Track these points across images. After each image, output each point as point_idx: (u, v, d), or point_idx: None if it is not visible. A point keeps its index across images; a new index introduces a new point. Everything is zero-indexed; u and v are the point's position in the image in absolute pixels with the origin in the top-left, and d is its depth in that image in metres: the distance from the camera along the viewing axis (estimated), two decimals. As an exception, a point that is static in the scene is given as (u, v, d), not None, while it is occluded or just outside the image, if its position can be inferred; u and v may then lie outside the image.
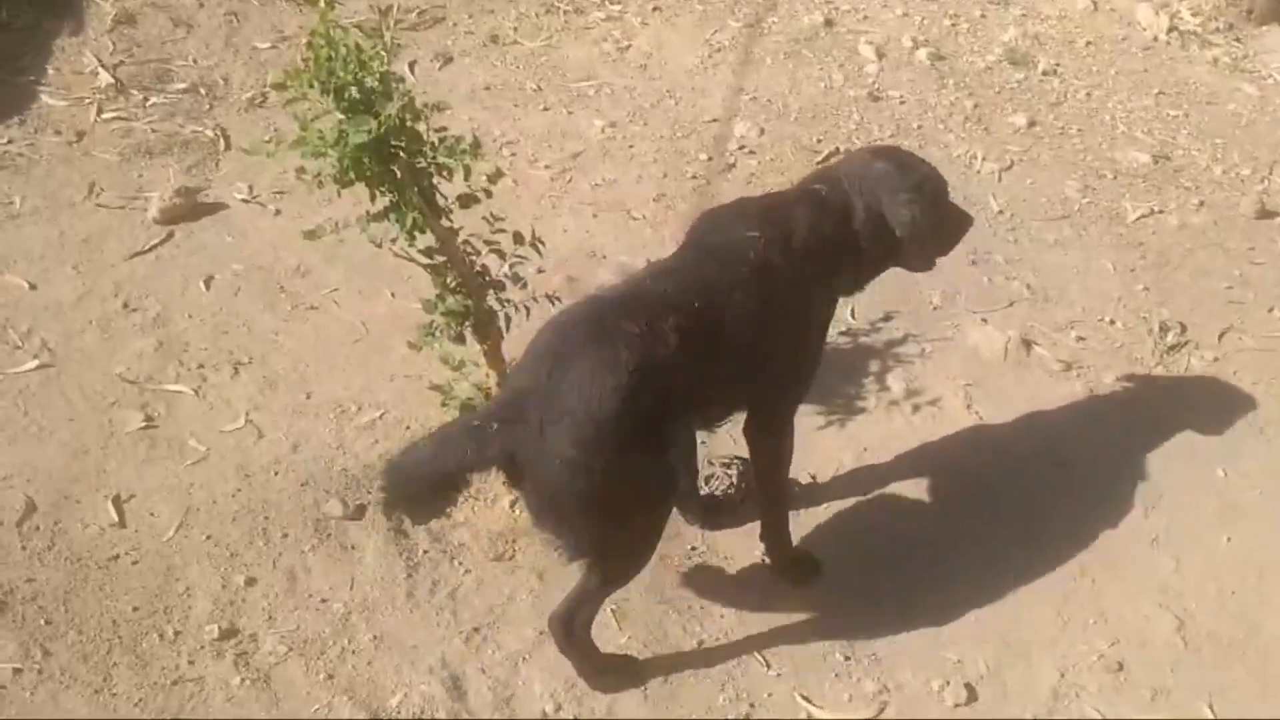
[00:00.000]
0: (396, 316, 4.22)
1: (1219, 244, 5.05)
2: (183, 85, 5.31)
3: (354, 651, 3.17)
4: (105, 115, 5.12)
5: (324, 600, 3.30)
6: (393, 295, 4.35)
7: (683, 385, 2.88)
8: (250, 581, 3.32)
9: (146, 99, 5.20)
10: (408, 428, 3.81)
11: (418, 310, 4.10)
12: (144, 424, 3.77)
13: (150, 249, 4.48)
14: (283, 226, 4.63)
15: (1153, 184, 5.44)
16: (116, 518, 3.46)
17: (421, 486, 2.82)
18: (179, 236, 4.55)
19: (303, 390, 3.94)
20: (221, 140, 5.07)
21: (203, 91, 5.31)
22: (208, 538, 3.43)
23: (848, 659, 3.23)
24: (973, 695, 3.16)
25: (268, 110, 5.28)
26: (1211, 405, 4.14)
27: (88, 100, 5.18)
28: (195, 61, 5.46)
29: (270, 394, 3.92)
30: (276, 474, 3.63)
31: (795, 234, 3.10)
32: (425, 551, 3.46)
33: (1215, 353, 4.41)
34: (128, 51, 5.44)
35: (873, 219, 3.19)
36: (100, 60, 5.37)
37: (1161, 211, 5.24)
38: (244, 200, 4.76)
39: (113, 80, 5.23)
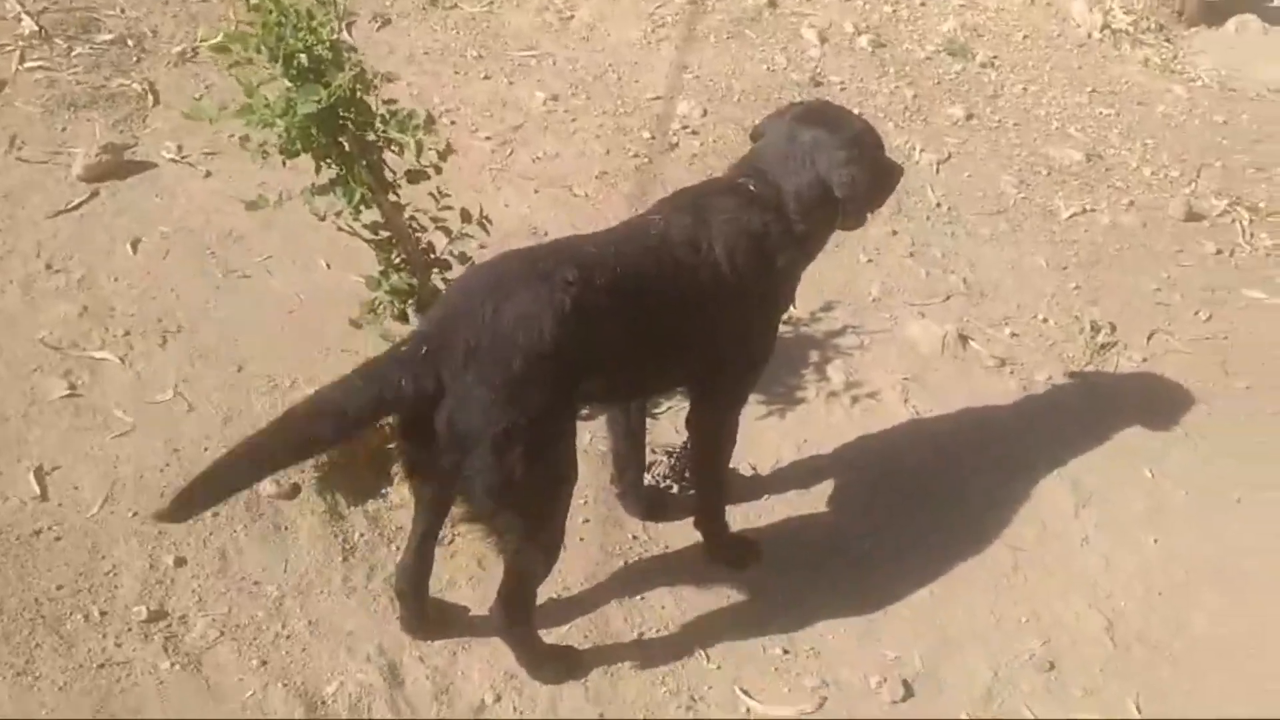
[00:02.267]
0: (333, 289, 4.11)
1: (1148, 245, 5.15)
2: (109, 36, 5.10)
3: (288, 637, 3.08)
4: (27, 64, 4.90)
5: (257, 583, 3.20)
6: (329, 266, 4.23)
7: (607, 346, 2.83)
8: (179, 561, 3.21)
9: (71, 49, 4.99)
10: (344, 405, 3.71)
11: (355, 283, 4.02)
12: (67, 392, 3.62)
13: (74, 207, 4.30)
14: (214, 189, 4.48)
15: (1085, 182, 5.53)
16: (38, 490, 3.32)
17: (351, 424, 2.66)
18: (104, 195, 4.37)
19: (234, 362, 3.82)
20: (150, 95, 4.89)
21: (130, 43, 5.11)
22: (134, 514, 3.30)
23: (787, 653, 3.24)
24: (909, 692, 3.18)
25: (198, 65, 5.10)
26: (1139, 406, 4.21)
27: (9, 48, 4.95)
28: (123, 11, 5.25)
29: (200, 365, 3.79)
30: (207, 449, 3.51)
31: (725, 231, 3.02)
32: (361, 535, 3.38)
33: (1144, 353, 4.50)
34: (52, -2, 5.22)
35: (811, 194, 3.11)
36: (23, 6, 5.13)
37: (1093, 210, 5.33)
38: (173, 160, 4.59)
39: (36, 28, 5.00)
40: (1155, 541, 3.71)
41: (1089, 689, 3.25)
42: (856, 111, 3.61)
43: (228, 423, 3.61)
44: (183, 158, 4.62)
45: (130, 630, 3.03)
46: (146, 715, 2.85)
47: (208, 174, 4.57)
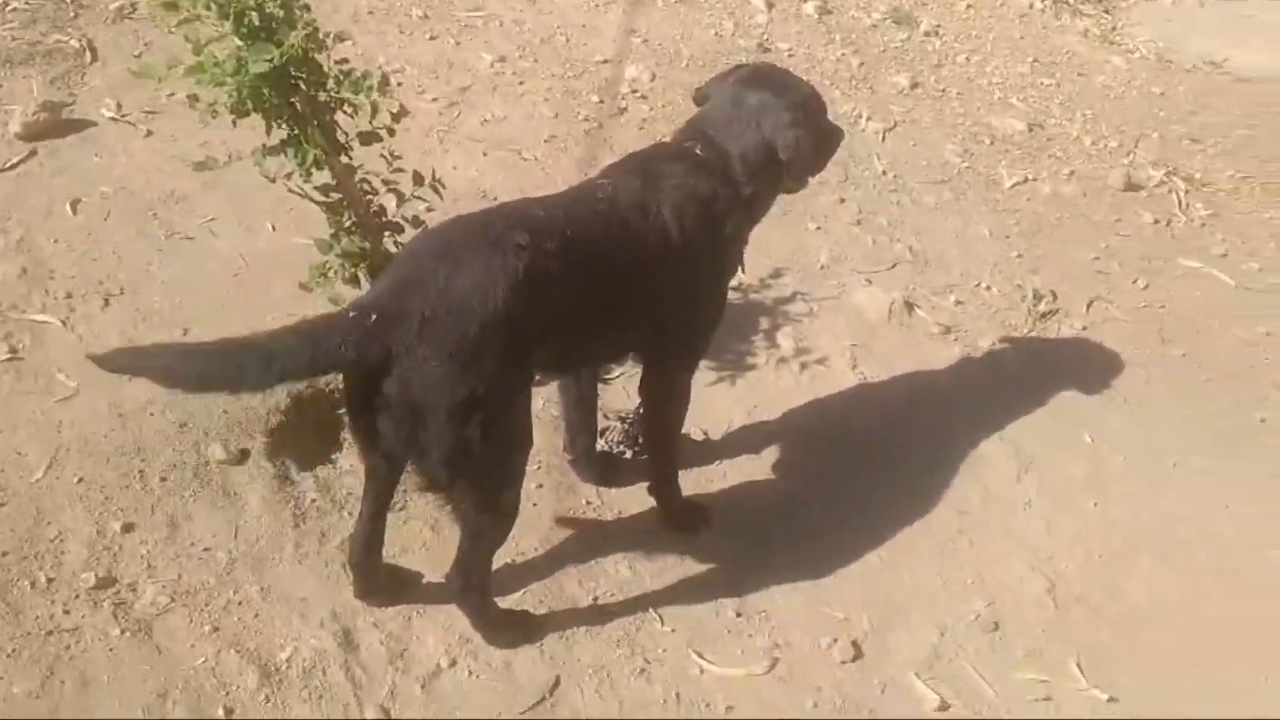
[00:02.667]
0: (279, 251, 4.06)
1: (1087, 215, 5.24)
2: (46, -11, 4.97)
3: (240, 603, 3.06)
4: (-41, 19, 4.77)
5: (207, 549, 3.17)
6: (274, 228, 4.18)
7: (559, 312, 2.81)
8: (127, 527, 3.17)
9: (6, 4, 4.86)
10: (291, 369, 3.67)
11: (302, 246, 3.98)
12: (8, 355, 3.55)
13: (11, 167, 4.19)
14: (156, 148, 4.40)
15: (1027, 152, 5.61)
16: (-20, 456, 3.26)
17: (275, 376, 2.57)
18: (43, 154, 4.27)
19: (179, 325, 3.76)
20: (88, 52, 4.77)
21: (67, -2, 4.99)
22: (80, 480, 3.25)
23: (739, 615, 3.27)
24: (858, 653, 3.23)
25: (136, 22, 4.99)
26: (1080, 373, 4.30)
27: (-61, 1, 4.82)
28: (58, -36, 5.11)
29: (144, 328, 3.73)
30: (153, 414, 3.46)
31: (674, 196, 3.02)
32: (313, 500, 3.36)
33: (1083, 321, 4.59)
34: (-17, -52, 5.05)
35: (757, 157, 3.13)
36: (-46, -42, 4.99)
37: (1035, 180, 5.41)
38: (113, 118, 4.49)
39: (-34, -21, 4.86)
40: (1095, 505, 3.79)
41: (1031, 650, 3.33)
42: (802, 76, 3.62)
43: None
44: (123, 116, 4.52)
45: (78, 597, 2.98)
46: (97, 682, 2.81)
47: (149, 133, 4.47)
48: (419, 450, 2.70)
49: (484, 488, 2.83)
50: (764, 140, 3.13)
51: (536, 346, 2.79)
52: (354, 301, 2.76)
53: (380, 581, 3.12)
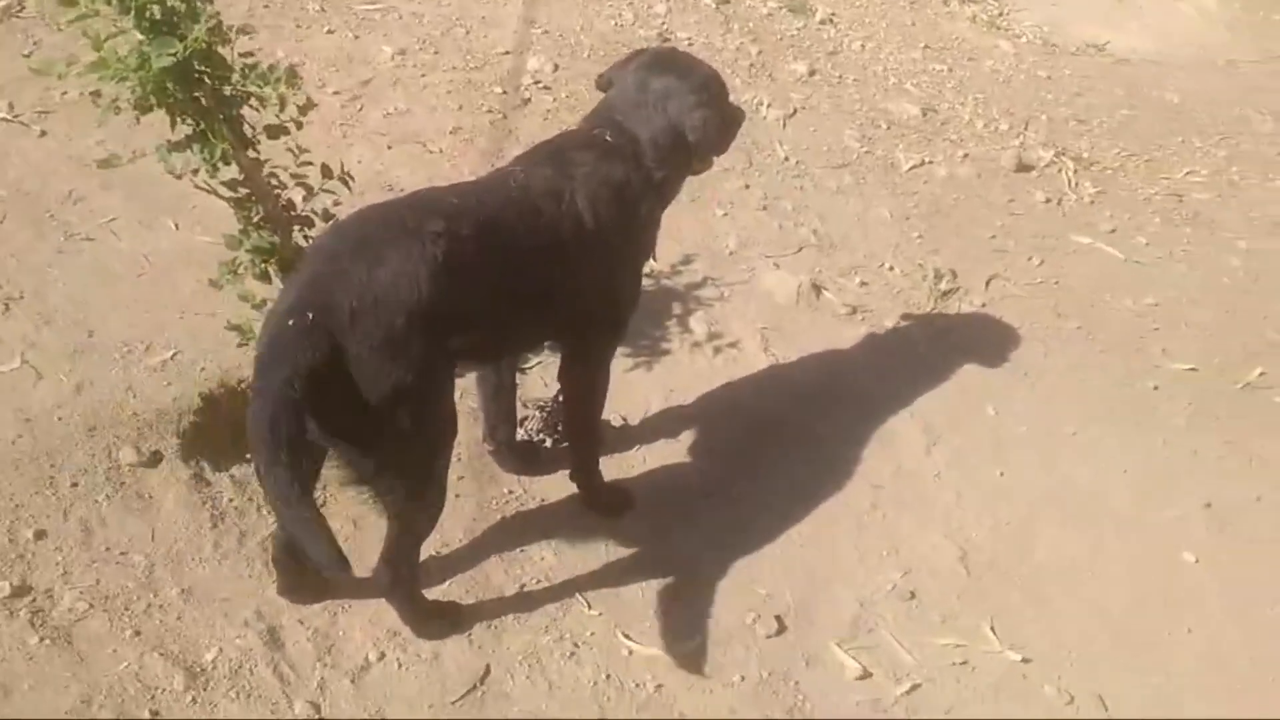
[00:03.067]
0: (183, 249, 3.99)
1: (982, 195, 5.39)
2: (-76, -13, 4.80)
3: (161, 606, 3.01)
4: None
5: (124, 553, 3.11)
6: (176, 226, 4.11)
7: (476, 300, 2.82)
8: (40, 534, 3.10)
9: (-117, 2, 4.68)
10: (202, 369, 3.62)
11: (205, 243, 3.94)
12: (-96, 364, 3.45)
13: (-102, 169, 4.06)
14: (50, 148, 4.29)
15: (923, 135, 5.74)
16: (-120, 467, 3.16)
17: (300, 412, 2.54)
18: (-69, 156, 4.14)
19: (83, 328, 3.68)
20: (-27, 52, 4.63)
21: (-53, -5, 4.82)
22: (-13, 488, 3.18)
23: (665, 597, 3.32)
24: (782, 626, 3.30)
25: (24, 20, 4.86)
26: (981, 349, 4.43)
27: None
28: (-63, -40, 4.94)
29: (47, 332, 3.64)
30: (60, 419, 3.38)
31: (587, 183, 3.05)
32: (230, 500, 3.32)
33: (983, 298, 4.72)
34: None
35: (666, 140, 3.17)
36: None
37: (931, 162, 5.54)
38: (4, 119, 4.37)
39: None
40: (1000, 475, 3.92)
41: (947, 615, 3.43)
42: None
43: (80, 390, 3.48)
44: (15, 116, 4.39)
45: (-7, 607, 2.92)
46: (18, 691, 2.75)
47: (42, 133, 4.36)
48: (350, 440, 2.68)
49: (412, 478, 2.82)
50: (671, 123, 3.17)
51: (457, 335, 2.79)
52: (278, 310, 2.67)
53: (304, 578, 3.10)
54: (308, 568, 3.11)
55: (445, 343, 2.76)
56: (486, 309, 2.88)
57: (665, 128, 3.17)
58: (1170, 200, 5.56)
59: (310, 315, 2.56)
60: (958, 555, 3.62)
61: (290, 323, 2.58)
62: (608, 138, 3.16)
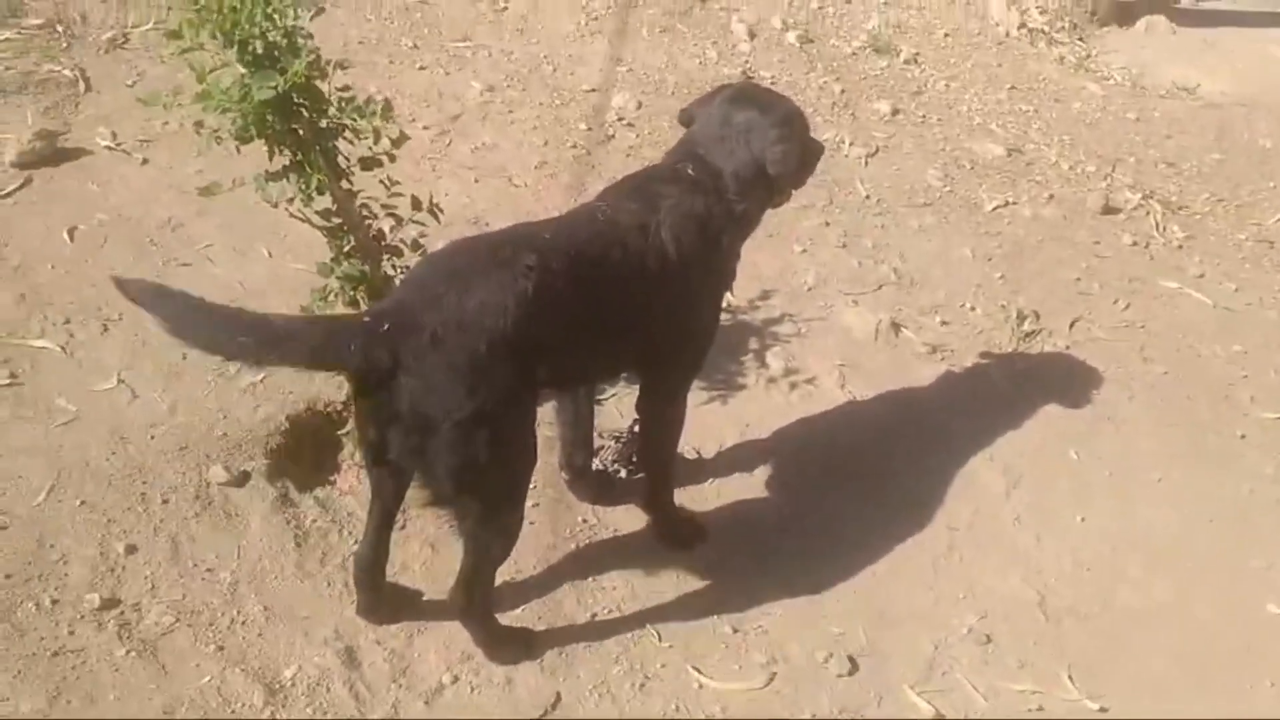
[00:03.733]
0: (275, 276, 4.11)
1: (1068, 237, 5.33)
2: (38, 21, 5.01)
3: (244, 622, 3.09)
4: (-48, 49, 4.81)
5: (210, 570, 3.20)
6: (269, 254, 4.23)
7: (563, 330, 2.88)
8: (130, 549, 3.20)
9: (-1, 34, 4.90)
10: (290, 392, 3.72)
11: (297, 270, 4.05)
12: (8, 381, 3.58)
13: (7, 195, 4.23)
14: (151, 176, 4.44)
15: (1007, 176, 5.71)
16: (-18, 480, 3.29)
17: (279, 356, 2.63)
18: (38, 183, 4.31)
19: (177, 351, 3.76)
20: (81, 81, 4.82)
21: (59, 28, 5.02)
22: (82, 503, 3.28)
23: (736, 631, 3.32)
24: (854, 666, 3.28)
25: (129, 51, 5.04)
26: (1064, 391, 4.37)
27: (-66, 32, 4.86)
28: (50, -5, 5.17)
29: (143, 353, 3.77)
30: (154, 437, 3.50)
31: (671, 216, 3.10)
32: (313, 521, 3.40)
33: (1067, 340, 4.67)
34: (-25, -20, 5.10)
35: (747, 173, 3.21)
36: (-55, -11, 5.04)
37: (1015, 203, 5.50)
38: (108, 147, 4.54)
39: (-41, 11, 4.90)
40: (1082, 520, 3.86)
41: (1024, 661, 3.38)
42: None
43: (173, 411, 3.60)
44: (118, 145, 4.56)
45: (83, 618, 3.01)
46: (104, 701, 2.84)
47: (144, 161, 4.52)
48: (427, 464, 2.74)
49: (489, 503, 2.87)
50: (753, 157, 3.21)
51: (542, 365, 2.85)
52: (369, 309, 2.80)
53: (384, 600, 3.16)
54: (387, 588, 3.19)
55: (529, 373, 2.82)
56: (571, 340, 2.94)
57: (747, 161, 3.21)
58: (1261, 246, 5.45)
59: (386, 326, 2.64)
60: (1036, 600, 3.57)
61: (364, 319, 2.68)
62: (690, 171, 3.21)
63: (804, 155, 3.37)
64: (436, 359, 2.64)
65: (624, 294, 3.02)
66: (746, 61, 6.07)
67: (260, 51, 3.01)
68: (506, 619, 3.20)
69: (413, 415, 2.67)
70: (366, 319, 2.70)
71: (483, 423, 2.70)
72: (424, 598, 3.25)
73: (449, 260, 2.89)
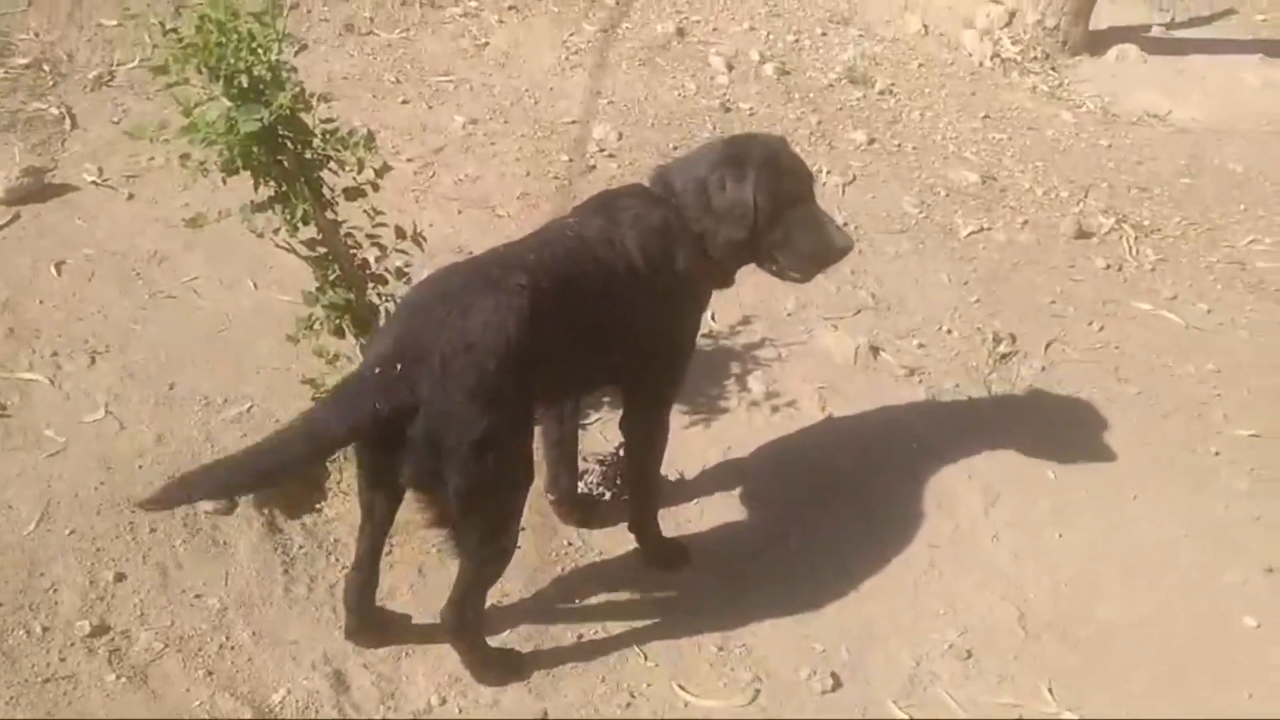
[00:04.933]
0: (262, 308, 4.16)
1: (1042, 261, 5.42)
2: (24, 60, 5.07)
3: (233, 648, 3.12)
4: (-61, 87, 4.87)
5: (198, 596, 3.23)
6: (255, 286, 4.27)
7: (552, 345, 2.93)
8: (119, 577, 3.22)
9: (-15, 72, 4.96)
10: (277, 421, 3.74)
11: (283, 301, 4.10)
12: (-3, 413, 3.62)
13: (-4, 230, 4.28)
14: (136, 211, 4.49)
15: (982, 202, 5.80)
16: (-28, 511, 3.32)
17: (327, 447, 2.78)
18: (26, 218, 4.35)
19: (165, 381, 3.84)
20: (68, 119, 4.87)
21: (46, 67, 5.08)
22: (71, 532, 3.31)
23: (721, 649, 3.37)
24: (838, 682, 3.33)
25: (115, 90, 5.10)
26: (1041, 411, 4.45)
27: (-80, 71, 4.91)
28: (37, 35, 5.22)
29: (130, 384, 3.81)
30: (141, 467, 3.53)
31: (634, 226, 3.15)
32: (300, 547, 3.43)
33: (1042, 362, 4.74)
34: (-39, 21, 5.16)
35: (698, 194, 3.21)
36: (-68, 29, 5.10)
37: (990, 229, 5.59)
38: (94, 182, 4.59)
39: (-53, 51, 4.96)
40: (1060, 537, 3.92)
41: (1004, 675, 3.43)
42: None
43: (161, 441, 3.63)
44: (104, 180, 4.61)
45: (74, 645, 3.04)
46: (95, 727, 2.87)
47: (130, 196, 4.57)
48: (440, 485, 2.80)
49: (492, 522, 2.94)
50: (707, 184, 3.21)
51: (536, 379, 2.91)
52: (369, 358, 2.84)
53: (374, 623, 3.20)
54: (375, 612, 3.23)
55: (529, 390, 2.89)
56: (561, 353, 2.99)
57: (701, 185, 3.21)
58: (1232, 268, 5.55)
59: (400, 366, 2.70)
60: (1015, 616, 3.62)
61: (376, 370, 2.73)
62: (650, 187, 3.30)
63: (770, 200, 3.25)
64: (449, 383, 2.71)
65: (603, 306, 3.08)
66: (725, 93, 6.16)
67: (246, 85, 3.08)
68: (494, 641, 3.24)
69: (428, 440, 2.73)
70: (375, 369, 2.74)
71: (494, 441, 2.77)
72: (413, 621, 3.29)
73: (439, 285, 2.94)
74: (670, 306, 3.28)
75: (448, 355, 2.71)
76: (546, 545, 3.57)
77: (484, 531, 2.92)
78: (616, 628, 3.38)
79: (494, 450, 2.77)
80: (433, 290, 2.94)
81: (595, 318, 3.07)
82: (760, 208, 3.23)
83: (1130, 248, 5.59)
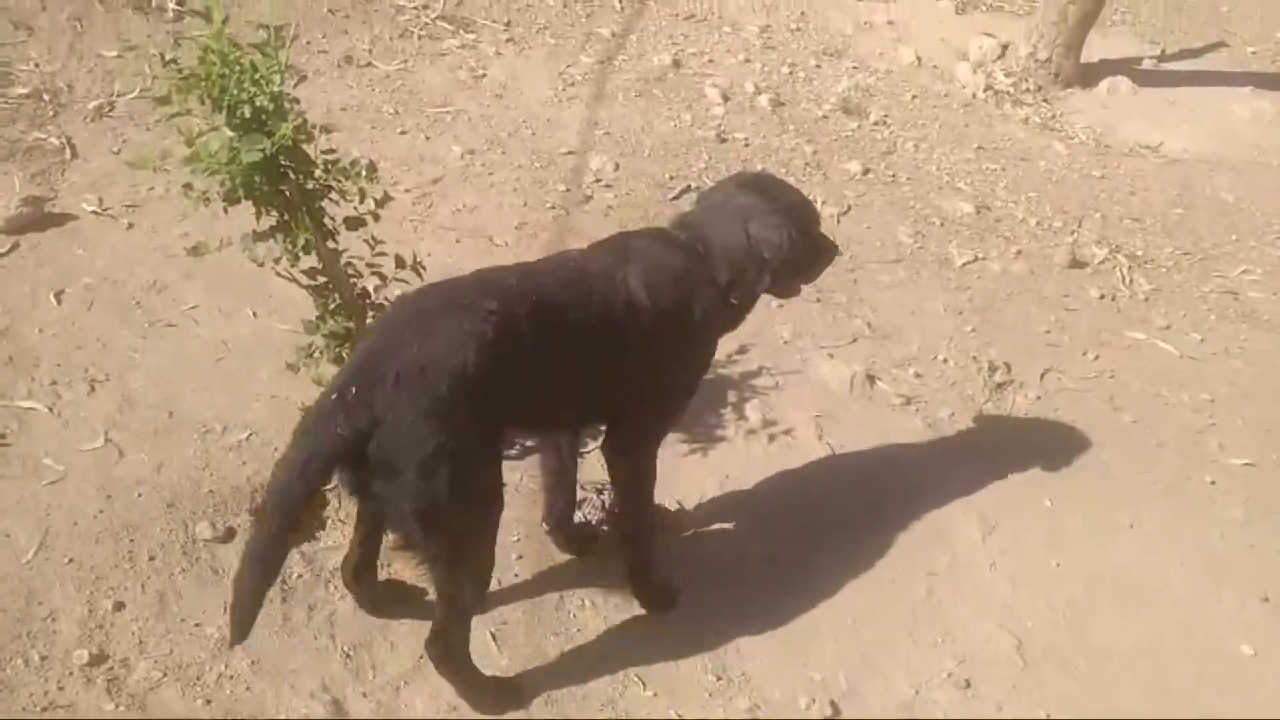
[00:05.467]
0: (261, 336, 4.17)
1: (1036, 290, 5.45)
2: (24, 90, 5.09)
3: (231, 677, 3.12)
4: (-60, 117, 4.89)
5: (197, 625, 3.23)
6: (254, 315, 4.28)
7: (530, 372, 2.93)
8: (118, 606, 3.22)
9: (-14, 102, 4.98)
10: (276, 449, 3.74)
11: (282, 330, 4.11)
12: (-4, 441, 3.62)
13: (-4, 259, 4.30)
14: (136, 240, 4.51)
15: (976, 232, 5.83)
16: (-29, 538, 3.32)
17: (312, 483, 2.76)
18: (25, 247, 4.37)
19: (164, 409, 3.84)
20: (68, 149, 4.89)
21: (46, 97, 5.10)
22: (70, 560, 3.31)
23: (719, 678, 3.37)
24: (836, 711, 3.34)
25: (115, 120, 5.12)
26: (1036, 440, 4.47)
27: (-79, 101, 4.94)
28: (38, 66, 5.24)
29: (130, 413, 3.81)
30: (141, 495, 3.53)
31: (643, 265, 3.16)
32: (299, 575, 3.43)
33: (1038, 391, 4.77)
34: (-37, 51, 5.18)
35: (738, 253, 3.25)
36: (-67, 59, 5.13)
37: (984, 259, 5.63)
38: (94, 212, 4.60)
39: (-52, 81, 4.98)
40: (1057, 565, 3.93)
41: (1002, 703, 3.45)
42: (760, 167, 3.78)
43: (160, 469, 3.63)
44: (104, 210, 4.63)
45: (72, 674, 3.04)
46: (93, 756, 2.86)
47: (129, 225, 4.58)
48: (392, 505, 2.81)
49: (454, 546, 2.92)
50: (747, 236, 3.25)
51: (506, 406, 2.90)
52: (336, 379, 2.85)
53: (381, 596, 3.31)
54: (386, 586, 3.34)
55: (492, 416, 2.88)
56: (534, 380, 2.97)
57: (739, 239, 3.25)
58: (1225, 298, 5.59)
59: (354, 390, 2.71)
60: (1013, 644, 3.63)
61: (333, 396, 2.74)
62: (679, 235, 3.30)
63: (812, 249, 3.42)
64: (400, 402, 2.70)
65: (593, 339, 3.05)
66: (720, 124, 6.20)
67: (248, 115, 3.11)
68: (491, 669, 3.24)
69: (379, 458, 2.73)
70: (333, 395, 2.75)
71: (444, 463, 2.75)
72: (426, 596, 3.30)
73: (413, 304, 2.95)
74: (679, 351, 3.28)
75: (402, 376, 2.71)
76: (543, 573, 3.57)
77: (447, 558, 2.92)
78: (615, 655, 3.37)
79: (445, 470, 2.75)
80: (403, 312, 2.94)
81: (582, 350, 3.04)
82: (800, 249, 3.33)
83: (1124, 277, 5.63)
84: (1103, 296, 5.47)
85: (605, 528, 3.77)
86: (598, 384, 3.17)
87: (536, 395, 3.03)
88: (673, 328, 3.20)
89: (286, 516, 2.72)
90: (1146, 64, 7.90)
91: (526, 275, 3.07)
